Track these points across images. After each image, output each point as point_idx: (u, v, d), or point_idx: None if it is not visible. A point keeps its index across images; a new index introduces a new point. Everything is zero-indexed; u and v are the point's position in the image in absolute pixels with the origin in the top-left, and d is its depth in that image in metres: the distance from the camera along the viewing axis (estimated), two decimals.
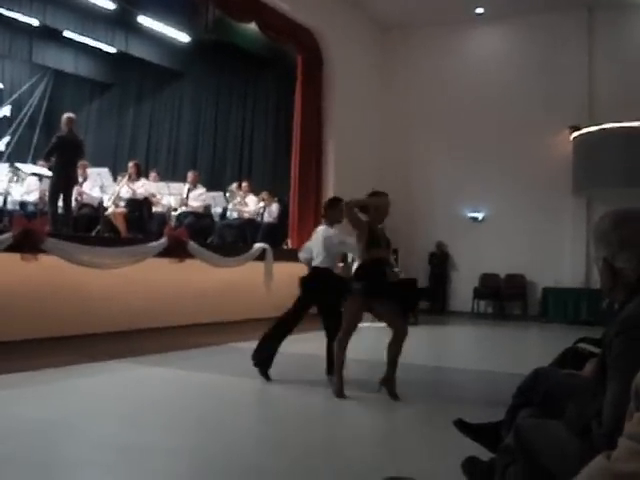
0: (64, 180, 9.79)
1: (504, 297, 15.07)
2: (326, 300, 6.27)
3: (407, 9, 15.23)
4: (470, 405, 5.34)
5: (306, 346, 7.58)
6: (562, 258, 14.49)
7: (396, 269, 6.33)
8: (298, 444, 4.31)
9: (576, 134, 14.18)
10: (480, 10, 15.21)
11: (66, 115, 10.07)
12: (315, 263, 6.48)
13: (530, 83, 15.00)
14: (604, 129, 13.40)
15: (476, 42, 16.02)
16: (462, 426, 3.45)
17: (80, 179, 10.88)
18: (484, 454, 3.23)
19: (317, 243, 6.52)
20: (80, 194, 11.12)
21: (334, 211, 6.48)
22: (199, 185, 12.61)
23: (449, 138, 15.75)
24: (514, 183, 15.02)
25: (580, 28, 14.73)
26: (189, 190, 12.35)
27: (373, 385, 5.70)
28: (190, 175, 12.64)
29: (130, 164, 11.72)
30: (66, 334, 8.28)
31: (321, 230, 6.59)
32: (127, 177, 11.46)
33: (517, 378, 3.14)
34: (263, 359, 6.31)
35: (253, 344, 6.46)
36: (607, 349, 2.15)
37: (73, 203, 10.40)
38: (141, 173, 11.83)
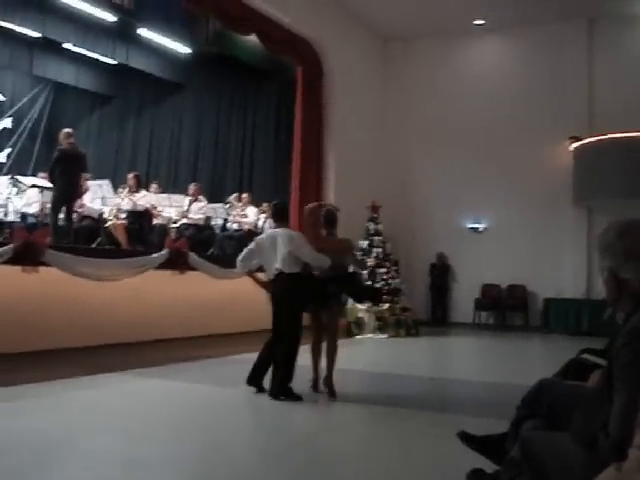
0: (66, 193, 9.80)
1: (505, 308, 15.06)
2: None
3: (407, 20, 15.29)
4: (473, 417, 5.30)
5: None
6: (563, 269, 14.47)
7: None
8: (299, 457, 4.28)
9: (576, 145, 14.19)
10: (480, 21, 15.26)
11: (64, 130, 10.11)
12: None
13: (530, 94, 15.03)
14: (604, 140, 13.42)
15: (476, 53, 16.07)
16: (466, 438, 3.42)
17: None
18: (488, 466, 3.21)
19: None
20: (81, 206, 11.11)
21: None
22: (201, 197, 12.58)
23: (449, 149, 15.74)
24: (515, 194, 15.03)
25: (580, 39, 14.77)
26: (191, 202, 12.33)
27: (373, 397, 5.66)
28: (192, 188, 12.59)
29: (130, 176, 11.67)
30: (67, 346, 8.25)
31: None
32: (127, 189, 11.45)
33: (521, 389, 3.12)
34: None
35: (253, 356, 6.41)
36: (614, 360, 2.13)
37: (74, 215, 10.40)
38: (141, 185, 11.80)
